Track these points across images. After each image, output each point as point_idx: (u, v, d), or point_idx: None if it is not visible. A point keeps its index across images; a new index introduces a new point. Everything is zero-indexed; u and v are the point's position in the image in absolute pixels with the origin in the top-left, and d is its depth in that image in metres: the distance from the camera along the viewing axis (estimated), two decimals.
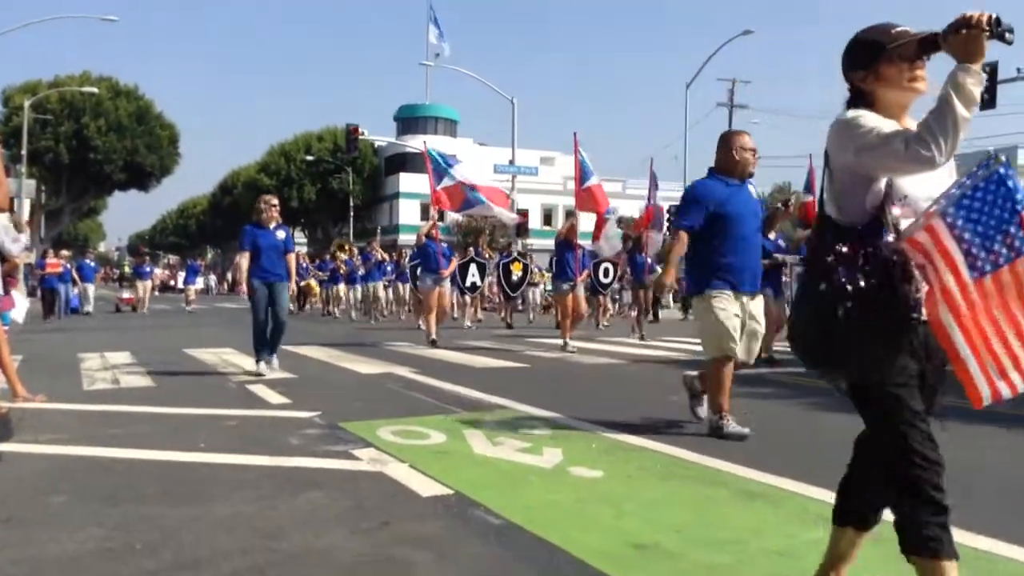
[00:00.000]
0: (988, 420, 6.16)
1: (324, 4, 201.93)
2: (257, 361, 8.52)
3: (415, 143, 49.61)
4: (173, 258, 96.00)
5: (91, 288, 23.63)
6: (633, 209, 57.62)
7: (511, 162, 33.32)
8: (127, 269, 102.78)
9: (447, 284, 13.57)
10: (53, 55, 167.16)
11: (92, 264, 24.67)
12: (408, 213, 55.69)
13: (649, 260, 15.34)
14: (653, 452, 4.89)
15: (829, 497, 3.82)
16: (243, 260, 8.66)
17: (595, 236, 12.90)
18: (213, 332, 15.76)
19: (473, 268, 17.70)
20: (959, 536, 3.24)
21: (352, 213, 53.27)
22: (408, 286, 20.20)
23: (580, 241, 12.59)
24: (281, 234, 8.69)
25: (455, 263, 15.09)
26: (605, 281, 18.22)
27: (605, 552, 3.09)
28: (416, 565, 2.97)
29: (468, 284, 17.76)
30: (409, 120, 59.46)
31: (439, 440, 5.17)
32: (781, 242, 10.27)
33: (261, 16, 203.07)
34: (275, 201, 8.77)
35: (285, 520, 3.46)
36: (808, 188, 14.60)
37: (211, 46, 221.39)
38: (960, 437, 5.51)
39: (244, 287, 8.74)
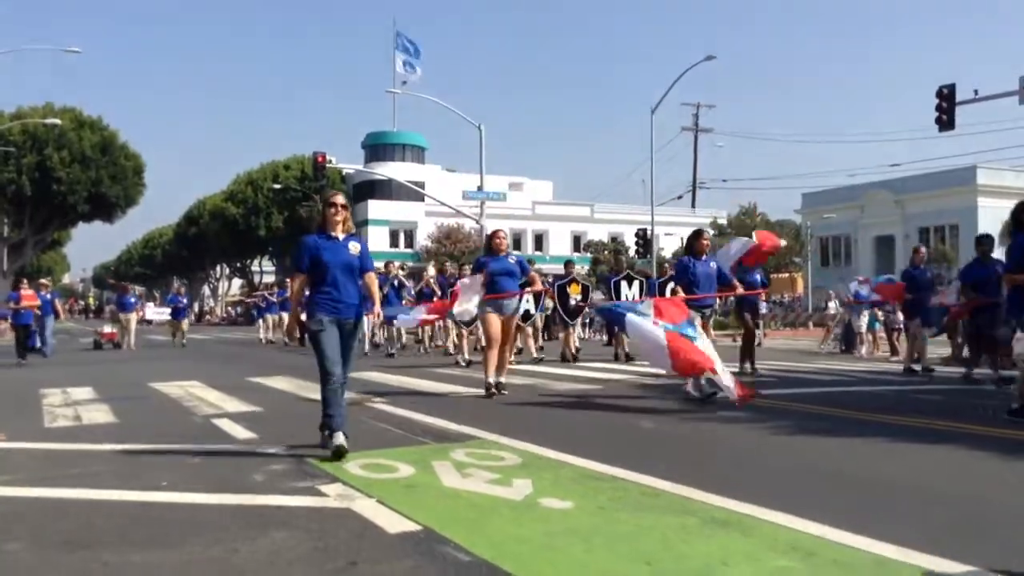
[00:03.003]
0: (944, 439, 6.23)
1: (289, 32, 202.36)
2: (332, 432, 5.73)
3: (383, 170, 49.75)
4: (139, 289, 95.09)
5: (49, 322, 19.83)
6: (601, 233, 58.15)
7: (479, 188, 33.42)
8: (92, 301, 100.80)
9: (513, 308, 9.98)
10: (15, 87, 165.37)
11: (48, 296, 20.02)
12: (377, 240, 55.50)
13: (758, 276, 12.73)
14: (624, 481, 4.85)
15: (798, 524, 3.83)
16: (296, 284, 6.28)
17: None
18: (179, 365, 15.53)
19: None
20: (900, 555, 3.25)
21: None
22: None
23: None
24: (355, 247, 6.04)
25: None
26: None
27: None
28: None
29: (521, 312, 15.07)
30: (377, 147, 59.49)
31: (408, 473, 5.10)
32: None
33: (225, 45, 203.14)
34: (343, 200, 6.15)
35: (248, 564, 3.38)
36: None
37: (176, 76, 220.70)
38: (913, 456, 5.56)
39: (287, 326, 6.79)
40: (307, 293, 6.18)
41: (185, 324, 25.64)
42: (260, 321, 26.82)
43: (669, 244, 53.59)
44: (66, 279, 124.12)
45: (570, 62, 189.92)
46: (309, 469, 5.28)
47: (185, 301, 27.37)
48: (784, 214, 57.46)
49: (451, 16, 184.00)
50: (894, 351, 17.27)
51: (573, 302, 15.67)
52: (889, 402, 8.89)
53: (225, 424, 7.36)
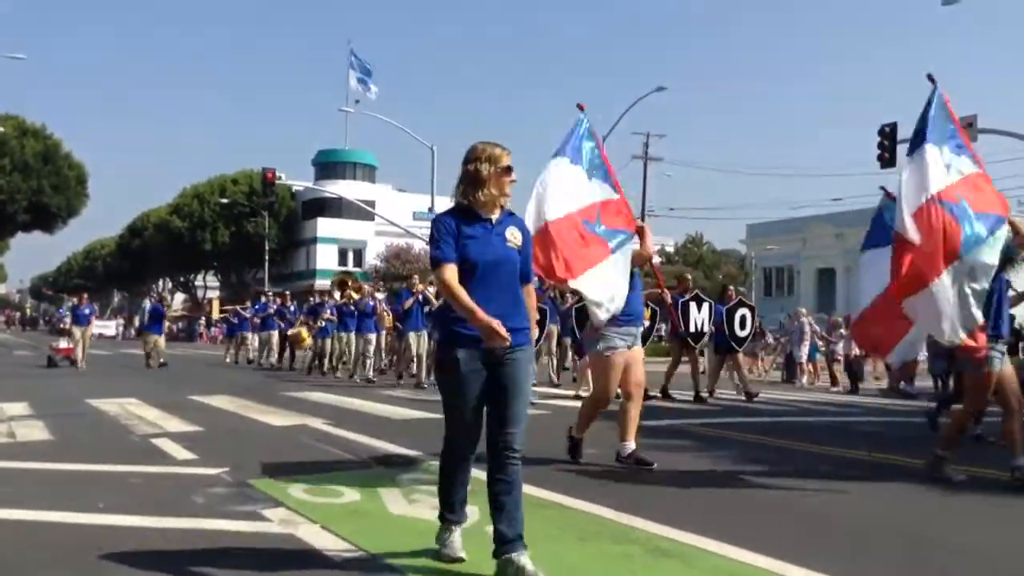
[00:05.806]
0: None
1: (242, 46, 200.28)
2: (450, 523, 3.90)
3: (333, 188, 49.40)
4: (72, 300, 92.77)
5: None
6: None
7: (430, 209, 33.39)
8: (28, 312, 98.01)
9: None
10: None
11: None
12: (325, 258, 55.10)
13: None
14: (570, 509, 4.88)
15: (740, 555, 3.88)
16: (447, 274, 3.64)
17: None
18: (117, 381, 15.18)
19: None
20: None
21: (268, 257, 52.39)
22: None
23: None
24: (514, 235, 3.82)
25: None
26: (742, 334, 14.05)
27: None
28: None
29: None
30: (327, 165, 59.15)
31: (353, 498, 5.05)
32: None
33: (175, 56, 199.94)
34: (508, 160, 3.81)
35: None
36: None
37: (123, 85, 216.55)
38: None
39: (488, 334, 3.51)
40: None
41: (162, 340, 20.57)
42: (230, 339, 24.28)
43: None
44: (2, 289, 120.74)
45: (524, 87, 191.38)
46: (251, 493, 5.19)
47: (166, 310, 22.62)
48: (729, 244, 58.42)
49: (405, 35, 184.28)
50: (834, 381, 17.61)
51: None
52: (829, 433, 9.06)
53: (165, 444, 7.20)
